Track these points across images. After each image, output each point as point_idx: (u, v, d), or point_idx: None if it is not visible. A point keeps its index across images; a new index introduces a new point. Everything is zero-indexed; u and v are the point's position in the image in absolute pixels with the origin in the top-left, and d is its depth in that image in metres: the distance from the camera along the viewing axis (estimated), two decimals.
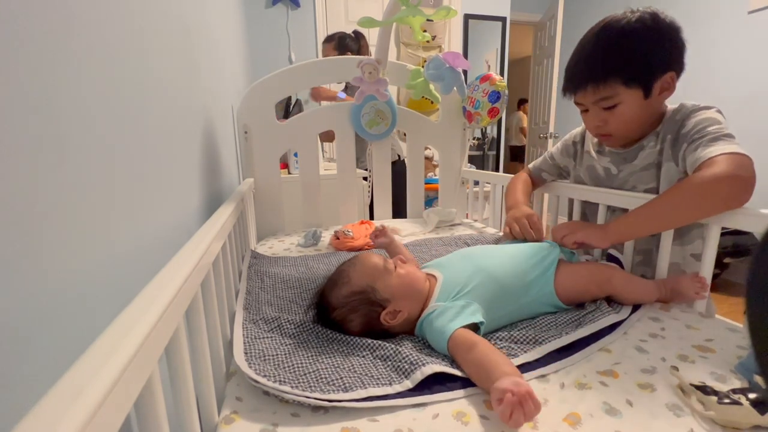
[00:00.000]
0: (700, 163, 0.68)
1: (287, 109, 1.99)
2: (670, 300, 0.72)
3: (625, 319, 0.66)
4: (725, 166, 0.64)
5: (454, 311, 0.61)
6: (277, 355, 0.57)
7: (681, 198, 0.67)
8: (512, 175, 1.19)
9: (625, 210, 0.80)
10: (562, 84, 0.84)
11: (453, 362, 0.56)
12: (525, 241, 0.86)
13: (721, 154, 0.66)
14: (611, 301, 0.71)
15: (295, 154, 1.88)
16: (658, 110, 0.80)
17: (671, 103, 0.81)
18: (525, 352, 0.57)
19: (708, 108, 0.75)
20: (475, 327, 0.60)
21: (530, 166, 1.14)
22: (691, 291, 0.70)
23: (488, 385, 0.47)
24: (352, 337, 0.63)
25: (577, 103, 0.83)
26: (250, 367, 0.53)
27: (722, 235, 0.71)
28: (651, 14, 0.73)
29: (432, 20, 1.14)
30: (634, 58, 0.73)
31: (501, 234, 1.26)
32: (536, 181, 1.12)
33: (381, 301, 0.64)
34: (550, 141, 3.41)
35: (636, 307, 0.70)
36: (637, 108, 0.77)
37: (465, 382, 0.52)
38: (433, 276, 0.71)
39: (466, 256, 0.77)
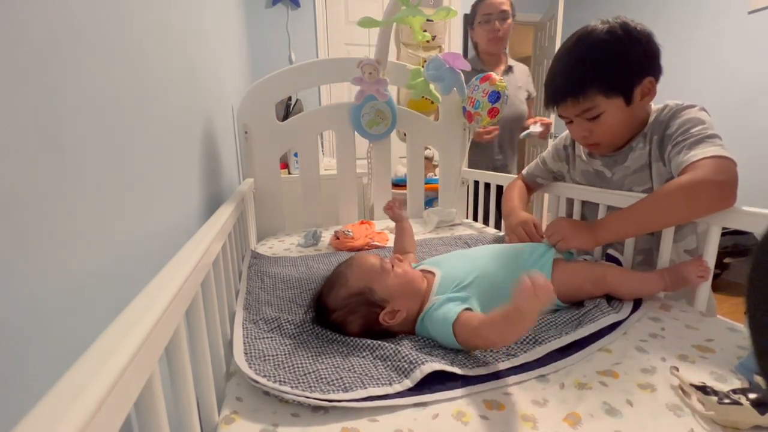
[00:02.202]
0: (684, 167, 0.68)
1: (287, 109, 1.99)
2: (675, 288, 0.72)
3: (625, 319, 0.66)
4: (707, 170, 0.65)
5: (458, 300, 0.62)
6: (277, 355, 0.57)
7: (665, 202, 0.68)
8: (512, 175, 1.20)
9: None
10: (543, 98, 0.85)
11: (453, 360, 0.55)
12: None
13: (703, 158, 0.66)
14: (611, 299, 0.71)
15: (295, 154, 1.88)
16: (642, 114, 0.80)
17: (656, 102, 0.81)
18: (525, 351, 0.57)
19: (692, 107, 0.75)
20: None
21: (524, 172, 1.15)
22: (693, 275, 0.70)
23: (513, 314, 0.49)
24: (351, 338, 0.63)
25: (561, 116, 0.84)
26: (250, 367, 0.53)
27: (722, 235, 0.71)
28: (621, 23, 0.74)
29: (432, 20, 1.14)
30: (609, 69, 0.74)
31: (501, 234, 1.26)
32: (532, 187, 1.12)
33: (379, 302, 0.65)
34: (550, 141, 3.40)
35: (636, 307, 0.70)
36: (620, 116, 0.77)
37: (465, 382, 0.52)
38: (431, 272, 0.72)
39: (462, 255, 0.78)
